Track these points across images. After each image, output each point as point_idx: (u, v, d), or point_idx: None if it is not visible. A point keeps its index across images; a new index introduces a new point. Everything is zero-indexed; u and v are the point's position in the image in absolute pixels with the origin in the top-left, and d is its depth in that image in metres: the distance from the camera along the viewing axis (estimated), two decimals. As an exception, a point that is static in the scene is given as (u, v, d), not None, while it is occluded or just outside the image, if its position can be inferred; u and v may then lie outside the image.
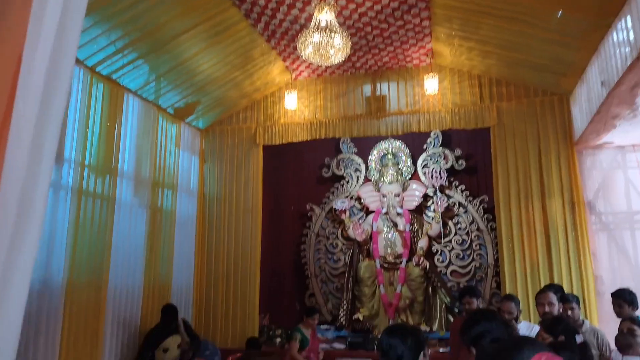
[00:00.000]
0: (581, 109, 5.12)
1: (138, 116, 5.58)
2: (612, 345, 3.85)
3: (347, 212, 7.31)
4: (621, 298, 4.15)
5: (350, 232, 7.26)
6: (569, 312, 4.29)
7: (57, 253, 4.50)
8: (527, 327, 4.22)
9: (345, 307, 7.07)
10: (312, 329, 5.40)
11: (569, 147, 5.71)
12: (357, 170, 7.58)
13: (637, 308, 4.11)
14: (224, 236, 6.73)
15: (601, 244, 5.60)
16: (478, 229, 7.08)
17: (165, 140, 6.06)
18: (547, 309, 4.14)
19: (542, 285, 5.64)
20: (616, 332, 3.94)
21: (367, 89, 6.51)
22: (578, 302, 4.54)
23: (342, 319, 7.02)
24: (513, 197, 5.90)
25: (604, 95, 4.05)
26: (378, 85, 6.45)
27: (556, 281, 5.60)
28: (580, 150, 5.65)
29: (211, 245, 6.73)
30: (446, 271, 7.14)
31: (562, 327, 3.01)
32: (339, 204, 7.35)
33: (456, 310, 6.74)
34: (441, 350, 6.09)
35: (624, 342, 3.64)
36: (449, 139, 7.38)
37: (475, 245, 7.08)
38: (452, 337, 4.92)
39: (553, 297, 4.16)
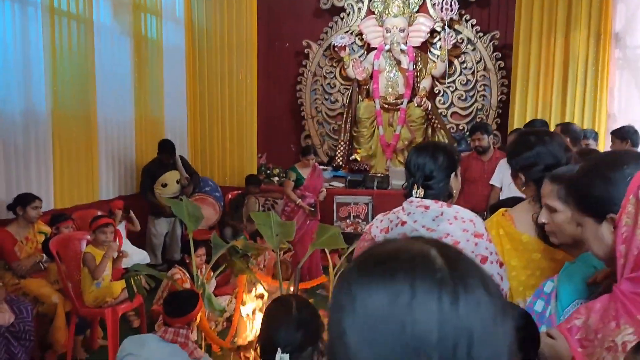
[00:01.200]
0: None
1: None
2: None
3: (347, 49, 6.84)
4: (613, 134, 4.10)
5: (350, 71, 6.89)
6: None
7: (36, 79, 4.07)
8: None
9: (342, 148, 7.00)
10: (311, 169, 5.27)
11: (605, -32, 5.09)
12: (359, 1, 6.93)
13: (636, 145, 4.00)
14: (216, 72, 6.31)
15: (619, 80, 5.30)
16: (485, 68, 6.75)
17: (144, -47, 5.20)
18: None
19: (552, 127, 5.51)
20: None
21: None
22: (596, 139, 4.39)
23: (339, 160, 6.98)
24: (535, 29, 5.51)
25: None
26: None
27: (567, 118, 5.42)
28: (616, -27, 5.05)
29: (203, 81, 6.32)
30: (447, 113, 6.98)
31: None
32: (339, 39, 6.83)
33: None
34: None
35: None
36: (463, -36, 6.61)
37: (480, 86, 6.83)
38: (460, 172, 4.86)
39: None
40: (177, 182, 5.20)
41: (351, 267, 0.57)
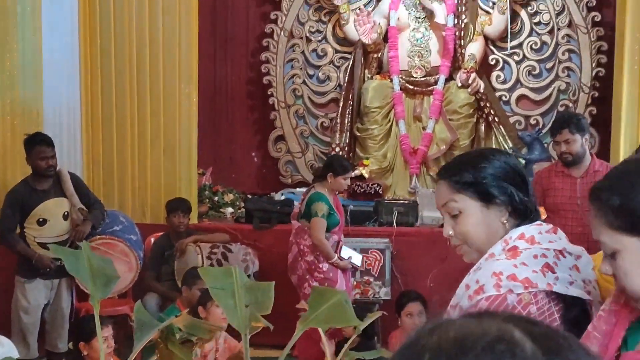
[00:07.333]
0: None
1: None
2: None
3: None
4: None
5: (350, 29, 7.03)
6: None
7: None
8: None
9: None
10: (333, 195, 5.42)
11: None
12: None
13: None
14: (129, 29, 6.35)
15: None
16: (570, 24, 6.95)
17: None
18: None
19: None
20: None
21: None
22: None
23: None
24: None
25: None
26: None
27: None
28: None
29: (108, 44, 6.36)
30: (509, 97, 7.16)
31: None
32: None
33: (522, 161, 6.77)
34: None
35: None
36: None
37: (563, 53, 7.02)
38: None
39: None
40: (65, 216, 5.27)
41: None
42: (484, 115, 6.99)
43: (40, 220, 5.16)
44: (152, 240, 6.05)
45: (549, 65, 7.00)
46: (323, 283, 5.12)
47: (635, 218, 1.39)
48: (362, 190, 6.82)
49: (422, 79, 6.97)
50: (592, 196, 1.51)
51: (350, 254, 5.50)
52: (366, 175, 6.92)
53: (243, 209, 6.61)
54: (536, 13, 6.96)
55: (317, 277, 5.21)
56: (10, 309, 5.18)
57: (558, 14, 6.89)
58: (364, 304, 5.65)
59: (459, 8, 6.88)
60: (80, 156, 6.41)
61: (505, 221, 1.86)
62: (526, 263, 1.78)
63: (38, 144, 5.13)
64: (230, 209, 6.72)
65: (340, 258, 5.31)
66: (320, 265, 5.24)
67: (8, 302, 5.19)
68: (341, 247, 5.42)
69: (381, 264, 6.03)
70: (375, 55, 7.10)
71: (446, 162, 2.13)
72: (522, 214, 1.88)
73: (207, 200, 6.74)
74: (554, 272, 1.79)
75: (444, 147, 6.89)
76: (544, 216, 4.73)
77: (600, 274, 1.92)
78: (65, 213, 5.24)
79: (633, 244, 1.40)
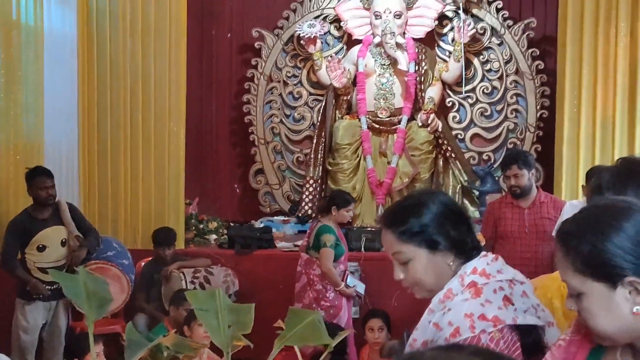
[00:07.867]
0: None
1: None
2: None
3: (318, 43, 7.13)
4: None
5: (322, 75, 7.18)
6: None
7: None
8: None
9: (312, 189, 7.24)
10: (337, 226, 5.40)
11: None
12: (335, -28, 7.38)
13: None
14: (124, 74, 6.38)
15: None
16: (517, 71, 7.11)
17: None
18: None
19: (616, 151, 5.77)
20: None
21: None
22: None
23: (307, 207, 7.17)
24: (588, 14, 5.79)
25: None
26: None
27: (638, 143, 5.71)
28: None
29: (104, 87, 6.38)
30: (464, 135, 7.33)
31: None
32: (306, 28, 7.07)
33: (476, 192, 6.90)
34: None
35: None
36: None
37: (511, 97, 7.18)
38: (485, 224, 4.99)
39: None
40: (63, 243, 5.23)
41: None
42: (442, 152, 7.14)
43: (40, 246, 5.13)
44: (142, 264, 5.97)
45: (499, 107, 7.16)
46: (329, 311, 5.12)
47: (603, 266, 1.35)
48: (333, 218, 6.94)
49: (387, 119, 7.07)
50: (560, 239, 1.45)
51: (355, 283, 5.48)
52: (337, 205, 7.04)
53: (226, 236, 6.61)
54: (487, 61, 7.14)
55: (323, 306, 5.17)
56: (11, 328, 5.14)
57: (506, 63, 7.06)
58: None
59: (420, 56, 7.04)
60: (77, 187, 6.43)
61: (451, 263, 1.84)
62: (490, 300, 1.77)
63: (39, 176, 5.12)
64: (214, 236, 6.77)
65: (347, 286, 5.29)
66: (327, 295, 5.21)
67: (9, 322, 5.15)
68: (347, 276, 5.40)
69: (351, 285, 6.11)
70: (345, 98, 7.24)
71: (387, 210, 2.08)
72: (466, 251, 1.86)
73: (194, 227, 6.78)
74: (512, 304, 1.78)
75: (407, 180, 6.98)
76: (483, 242, 4.86)
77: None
78: (63, 240, 5.22)
79: (599, 289, 1.36)
